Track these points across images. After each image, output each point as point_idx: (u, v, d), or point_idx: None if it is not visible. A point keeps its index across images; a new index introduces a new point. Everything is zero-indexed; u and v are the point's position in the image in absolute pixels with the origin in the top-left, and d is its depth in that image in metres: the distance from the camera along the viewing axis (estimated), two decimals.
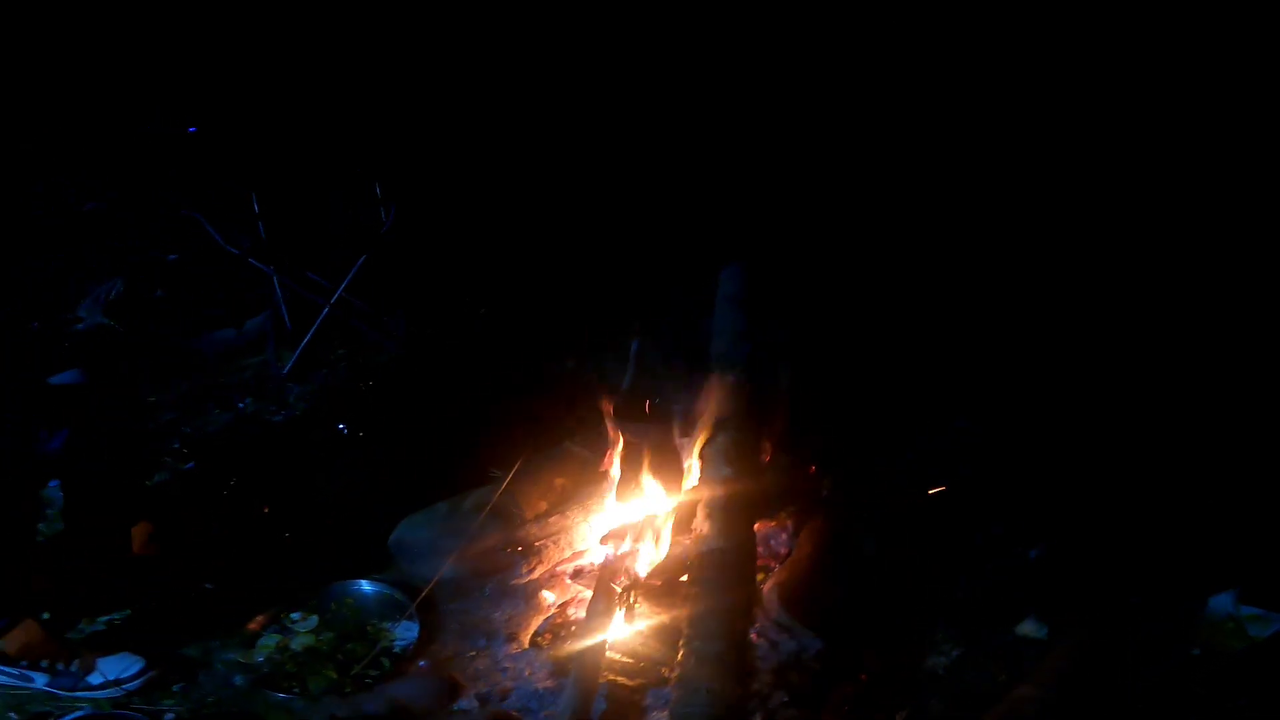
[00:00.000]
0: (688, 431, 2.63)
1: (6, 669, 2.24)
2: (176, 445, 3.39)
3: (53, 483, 3.08)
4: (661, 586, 2.33)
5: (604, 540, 2.49)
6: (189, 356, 3.86)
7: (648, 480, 2.60)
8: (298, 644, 2.38)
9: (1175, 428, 2.52)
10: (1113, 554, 2.22)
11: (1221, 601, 2.03)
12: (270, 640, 2.40)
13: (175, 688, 2.27)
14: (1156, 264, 2.94)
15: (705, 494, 2.37)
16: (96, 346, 3.90)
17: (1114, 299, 2.96)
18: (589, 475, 2.73)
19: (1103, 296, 2.98)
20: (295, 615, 2.47)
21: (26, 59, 3.90)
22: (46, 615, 2.36)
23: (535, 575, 2.48)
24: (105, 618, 2.49)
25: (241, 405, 3.58)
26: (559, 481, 2.76)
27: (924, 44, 3.38)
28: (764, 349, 2.75)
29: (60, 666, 2.24)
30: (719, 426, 2.56)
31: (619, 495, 2.62)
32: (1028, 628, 2.10)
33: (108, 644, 2.34)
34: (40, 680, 2.24)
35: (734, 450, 2.48)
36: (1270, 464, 2.34)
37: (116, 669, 2.25)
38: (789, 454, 2.57)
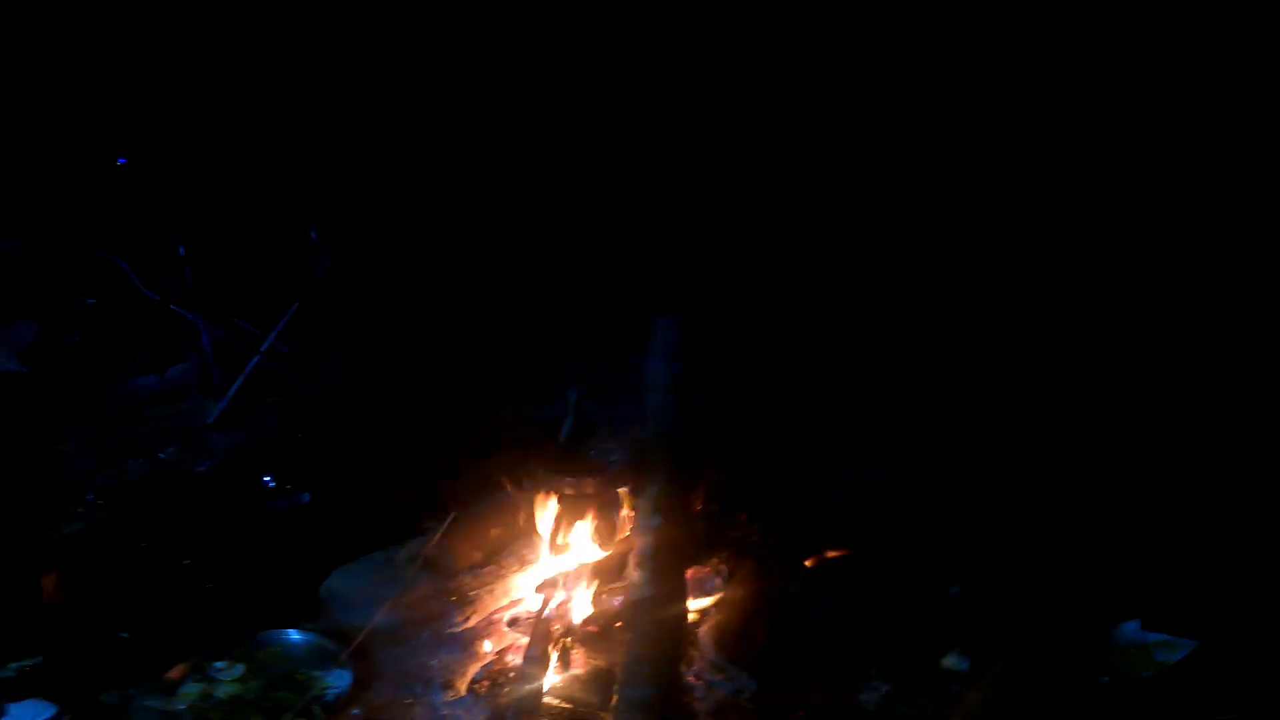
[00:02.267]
0: (622, 482, 2.73)
1: None
2: (90, 497, 3.29)
3: None
4: (597, 633, 2.39)
5: (539, 589, 2.54)
6: (107, 404, 3.76)
7: (583, 530, 2.67)
8: (223, 692, 2.34)
9: (1077, 462, 2.71)
10: (1026, 586, 2.36)
11: (1129, 628, 2.15)
12: (193, 688, 2.35)
13: None
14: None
15: (636, 543, 2.46)
16: (7, 393, 3.76)
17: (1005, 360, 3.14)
18: (524, 525, 2.78)
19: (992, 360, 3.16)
20: (219, 664, 2.42)
21: None
22: None
23: (471, 623, 2.51)
24: (15, 664, 2.40)
25: (163, 455, 3.49)
26: (494, 532, 2.80)
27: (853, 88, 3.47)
28: (698, 400, 2.88)
29: None
30: (651, 477, 2.66)
31: (554, 545, 2.68)
32: (951, 661, 2.21)
33: (18, 690, 2.28)
34: None
35: (665, 500, 2.58)
36: (1170, 492, 2.53)
37: (27, 715, 2.20)
38: (720, 503, 2.68)
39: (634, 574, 2.35)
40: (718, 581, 2.47)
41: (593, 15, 3.64)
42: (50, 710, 2.21)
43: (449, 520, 2.83)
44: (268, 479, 3.29)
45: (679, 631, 2.27)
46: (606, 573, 2.54)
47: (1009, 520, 2.60)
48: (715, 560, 2.53)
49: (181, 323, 3.80)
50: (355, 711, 2.27)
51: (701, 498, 2.69)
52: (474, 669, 2.37)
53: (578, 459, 3.07)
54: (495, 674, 2.32)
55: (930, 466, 2.82)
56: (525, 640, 2.37)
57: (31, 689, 2.28)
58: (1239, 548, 2.38)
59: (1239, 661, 2.07)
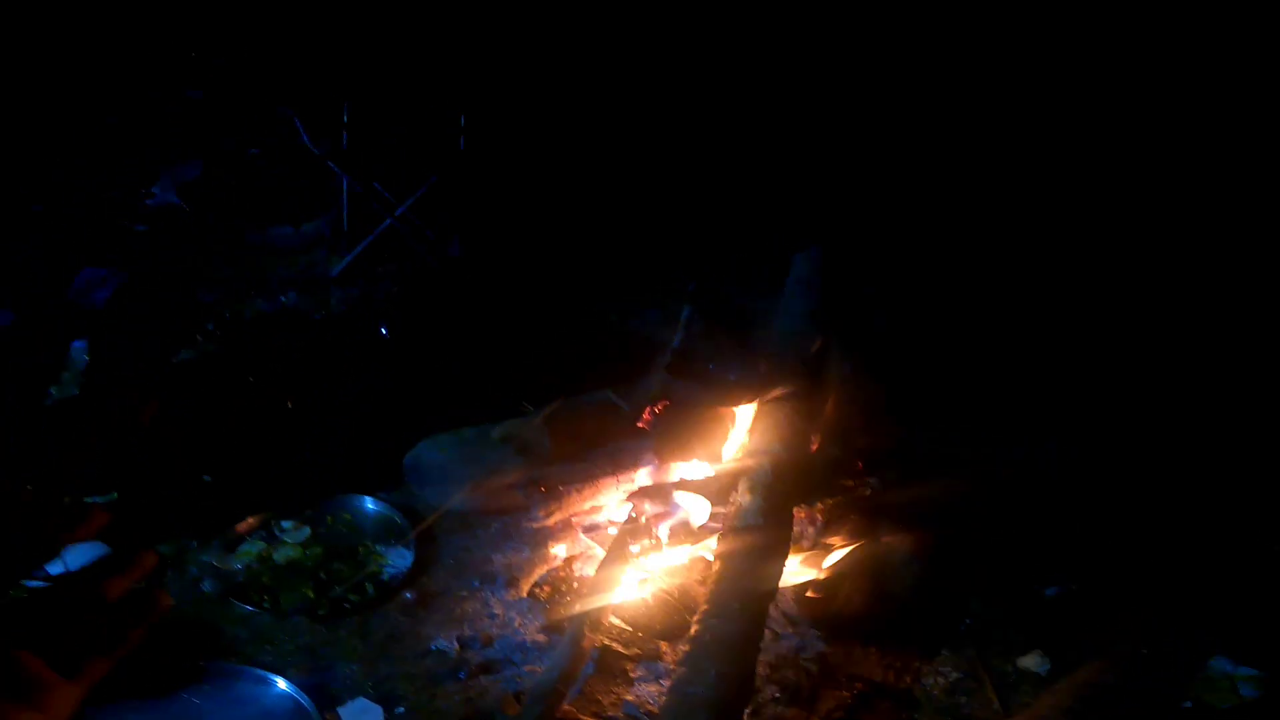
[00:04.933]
0: (739, 401, 2.38)
1: None
2: (211, 327, 3.28)
3: (78, 343, 2.99)
4: (682, 557, 2.09)
5: (629, 498, 2.25)
6: (244, 246, 3.77)
7: (688, 442, 2.34)
8: (281, 555, 2.21)
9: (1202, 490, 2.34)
10: (1128, 603, 2.10)
11: (1221, 660, 2.00)
12: (253, 547, 2.23)
13: None
14: None
15: (750, 466, 2.11)
16: (162, 223, 3.85)
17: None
18: (623, 428, 2.49)
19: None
20: (287, 523, 2.31)
21: None
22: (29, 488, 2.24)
23: (548, 522, 2.25)
24: (90, 499, 2.34)
25: (284, 299, 3.46)
26: (592, 428, 2.53)
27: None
28: (831, 337, 2.49)
29: None
30: (776, 403, 2.30)
31: (654, 454, 2.37)
32: (1030, 661, 2.01)
33: None
34: None
35: (788, 430, 2.22)
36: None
37: (79, 558, 2.11)
38: (839, 447, 2.30)
39: (744, 499, 2.01)
40: (813, 530, 2.09)
41: None
42: (103, 552, 2.14)
43: (551, 408, 2.59)
44: (383, 330, 3.18)
45: (777, 572, 1.93)
46: (710, 494, 2.21)
47: (1125, 534, 2.26)
48: (819, 506, 2.15)
49: (327, 180, 3.75)
50: (408, 595, 2.09)
51: (820, 438, 2.31)
52: (540, 571, 2.13)
53: (692, 371, 2.75)
54: (560, 580, 2.07)
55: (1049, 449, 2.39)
56: (600, 550, 2.10)
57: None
58: None
59: None
